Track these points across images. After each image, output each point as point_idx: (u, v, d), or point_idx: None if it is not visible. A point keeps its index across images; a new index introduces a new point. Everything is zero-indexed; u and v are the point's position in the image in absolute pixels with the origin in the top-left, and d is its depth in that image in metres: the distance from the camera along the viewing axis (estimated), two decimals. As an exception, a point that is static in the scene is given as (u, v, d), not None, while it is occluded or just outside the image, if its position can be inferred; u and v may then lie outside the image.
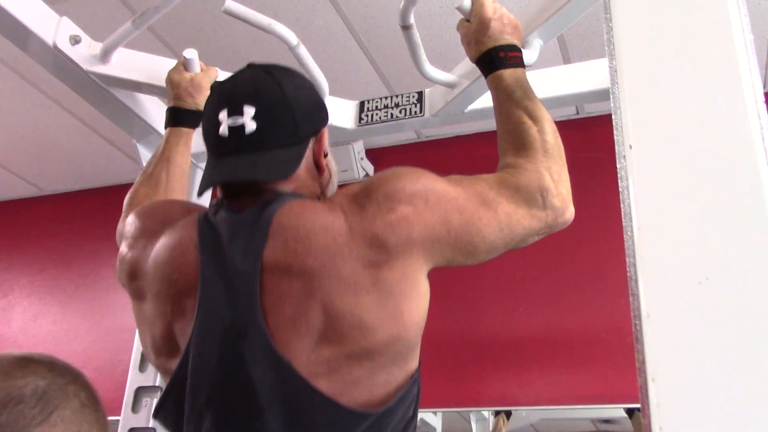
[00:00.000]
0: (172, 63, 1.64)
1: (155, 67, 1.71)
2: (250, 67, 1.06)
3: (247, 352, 0.89)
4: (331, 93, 1.81)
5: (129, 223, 1.13)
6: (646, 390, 0.54)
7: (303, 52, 1.60)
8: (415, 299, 0.93)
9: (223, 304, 0.92)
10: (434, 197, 0.95)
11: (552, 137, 1.10)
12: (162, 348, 0.99)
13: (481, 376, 2.51)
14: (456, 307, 2.58)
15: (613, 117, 0.71)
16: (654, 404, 0.53)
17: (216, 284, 0.94)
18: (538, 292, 2.53)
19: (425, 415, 2.63)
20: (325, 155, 1.07)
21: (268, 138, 0.98)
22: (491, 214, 0.98)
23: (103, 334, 3.10)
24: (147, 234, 1.07)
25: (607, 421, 2.72)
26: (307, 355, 0.88)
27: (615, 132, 0.69)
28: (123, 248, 1.11)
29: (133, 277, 1.06)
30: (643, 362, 0.55)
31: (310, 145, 1.05)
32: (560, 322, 2.46)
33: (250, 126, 0.96)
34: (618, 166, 0.67)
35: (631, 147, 0.65)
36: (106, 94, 1.75)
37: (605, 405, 2.34)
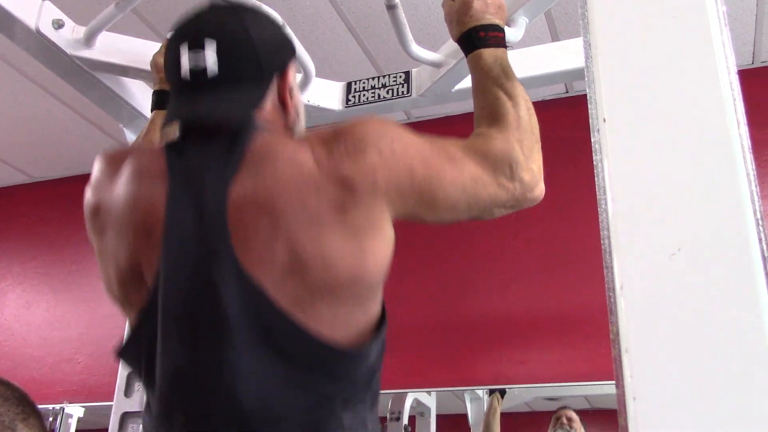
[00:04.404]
0: (157, 46, 1.63)
1: (140, 51, 1.70)
2: (213, 5, 1.06)
3: (217, 276, 0.89)
4: (319, 75, 1.80)
5: (94, 167, 1.10)
6: (620, 361, 0.55)
7: (289, 33, 1.59)
8: (378, 242, 0.93)
9: (192, 232, 0.92)
10: (401, 146, 0.95)
11: (526, 114, 1.10)
12: (126, 276, 0.98)
13: (475, 355, 2.52)
14: (448, 287, 2.58)
15: (587, 91, 0.71)
16: (627, 375, 0.54)
17: (184, 213, 0.93)
18: (531, 270, 2.54)
19: (419, 396, 2.65)
20: (292, 94, 1.07)
21: (230, 75, 0.98)
22: (456, 172, 0.98)
23: (96, 321, 3.10)
24: (111, 170, 1.05)
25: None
26: (275, 284, 0.88)
27: (589, 105, 0.69)
28: (87, 192, 1.08)
29: (96, 212, 1.04)
30: (617, 334, 0.55)
31: (275, 82, 1.05)
32: (553, 300, 2.47)
33: (212, 67, 0.97)
34: (592, 140, 0.68)
35: (605, 120, 0.65)
36: (91, 79, 1.74)
37: (599, 382, 2.35)
